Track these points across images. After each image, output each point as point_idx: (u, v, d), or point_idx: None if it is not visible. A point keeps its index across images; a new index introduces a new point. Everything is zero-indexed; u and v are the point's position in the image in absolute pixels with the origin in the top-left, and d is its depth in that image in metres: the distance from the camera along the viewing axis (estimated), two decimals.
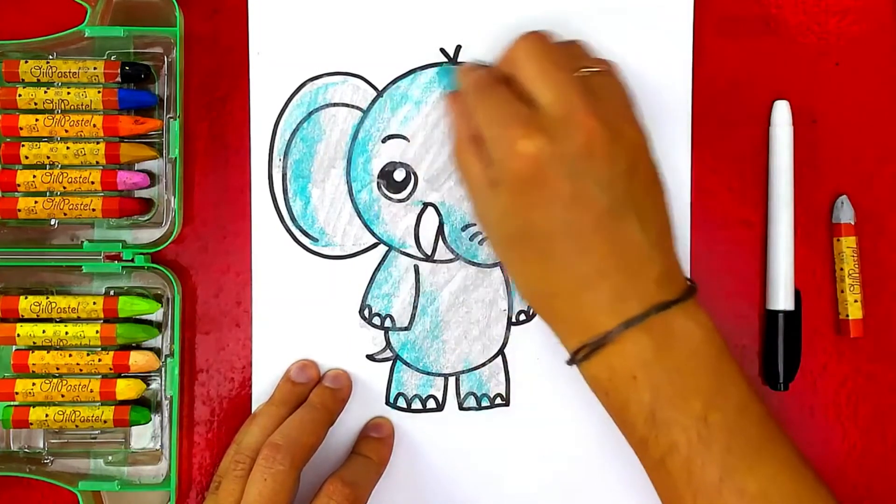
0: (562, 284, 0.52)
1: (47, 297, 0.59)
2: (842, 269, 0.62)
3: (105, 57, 0.60)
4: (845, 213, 0.62)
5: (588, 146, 0.50)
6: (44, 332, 0.58)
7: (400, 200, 0.61)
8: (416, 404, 0.61)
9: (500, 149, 0.52)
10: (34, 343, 0.58)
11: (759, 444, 0.50)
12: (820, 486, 0.52)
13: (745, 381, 0.52)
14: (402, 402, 0.61)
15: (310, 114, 0.61)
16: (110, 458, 0.60)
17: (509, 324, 0.61)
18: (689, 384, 0.50)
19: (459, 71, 0.58)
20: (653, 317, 0.50)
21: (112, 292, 0.60)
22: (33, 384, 0.58)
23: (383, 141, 0.61)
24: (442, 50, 0.61)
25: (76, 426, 0.59)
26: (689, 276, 0.61)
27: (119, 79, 0.59)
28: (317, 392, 0.59)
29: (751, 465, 0.49)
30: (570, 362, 0.53)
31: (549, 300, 0.54)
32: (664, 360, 0.50)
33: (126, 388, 0.59)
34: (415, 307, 0.61)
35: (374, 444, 0.60)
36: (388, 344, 0.61)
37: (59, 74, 0.58)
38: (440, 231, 0.61)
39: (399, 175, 0.61)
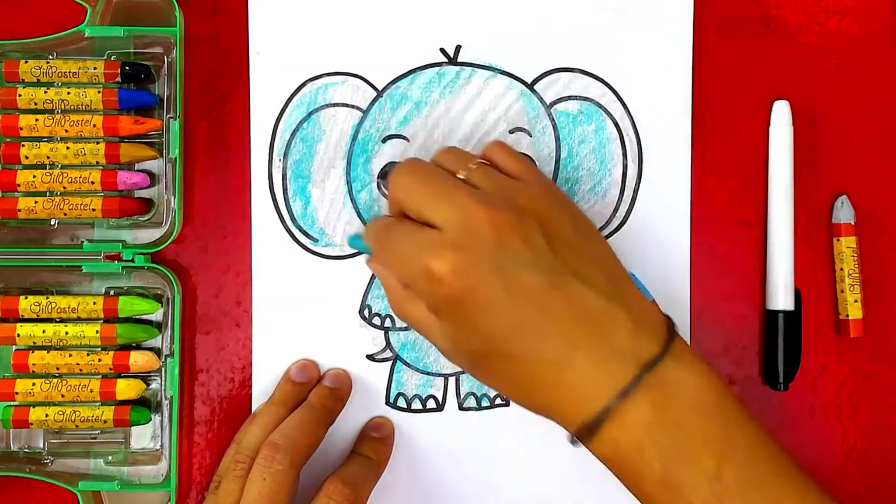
0: (539, 376, 0.49)
1: (47, 297, 0.59)
2: (842, 269, 0.62)
3: (105, 57, 0.60)
4: (845, 213, 0.62)
5: (498, 238, 0.49)
6: (44, 332, 0.58)
7: None
8: (416, 404, 0.61)
9: (420, 282, 0.50)
10: (34, 343, 0.58)
11: (779, 490, 0.48)
12: None
13: (750, 419, 0.49)
14: (402, 402, 0.61)
15: (310, 114, 0.61)
16: (110, 458, 0.60)
17: None
18: (697, 440, 0.47)
19: (364, 231, 0.57)
20: (645, 376, 0.48)
21: (112, 292, 0.60)
22: (33, 384, 0.58)
23: (383, 141, 0.61)
24: (442, 50, 0.61)
25: (76, 426, 0.59)
26: (688, 276, 0.61)
27: (119, 79, 0.59)
28: (316, 392, 0.59)
29: None
30: (573, 443, 0.50)
31: (533, 394, 0.51)
32: (667, 421, 0.47)
33: (126, 388, 0.59)
34: None
35: (374, 444, 0.60)
36: (388, 344, 0.61)
37: (59, 74, 0.58)
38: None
39: None
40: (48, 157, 0.59)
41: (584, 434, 0.49)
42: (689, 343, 0.51)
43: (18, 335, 0.58)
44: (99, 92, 0.59)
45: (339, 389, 0.60)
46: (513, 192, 0.51)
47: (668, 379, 0.48)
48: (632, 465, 0.48)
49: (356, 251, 0.61)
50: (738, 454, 0.48)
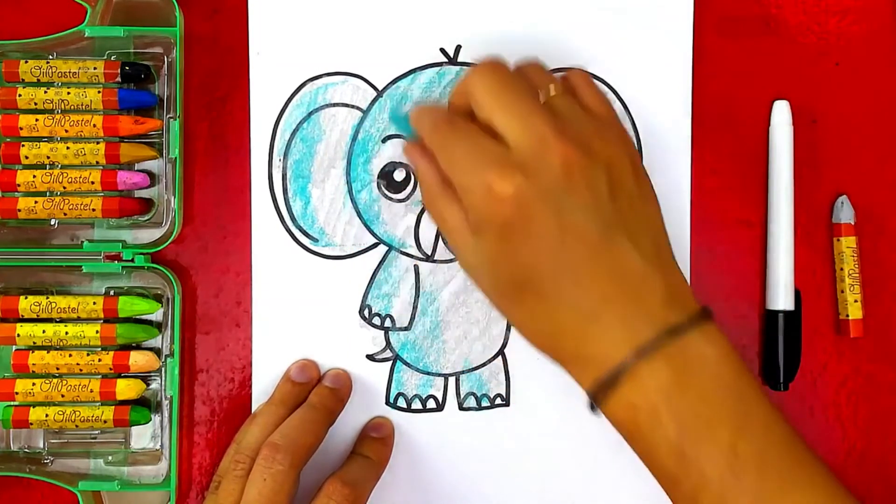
0: (565, 322, 0.49)
1: (47, 297, 0.59)
2: (842, 269, 0.62)
3: (105, 57, 0.60)
4: (845, 213, 0.62)
5: (567, 175, 0.48)
6: (44, 332, 0.58)
7: (400, 200, 0.61)
8: (416, 404, 0.61)
9: (475, 195, 0.49)
10: (34, 343, 0.58)
11: (791, 469, 0.48)
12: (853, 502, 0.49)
13: (767, 400, 0.49)
14: (402, 402, 0.61)
15: (310, 114, 0.61)
16: (110, 458, 0.60)
17: (509, 324, 0.61)
18: (715, 412, 0.47)
19: (413, 114, 0.55)
20: (667, 343, 0.47)
21: (112, 292, 0.60)
22: (33, 384, 0.58)
23: (383, 141, 0.61)
24: (442, 50, 0.61)
25: (76, 426, 0.59)
26: (688, 276, 0.61)
27: (119, 79, 0.59)
28: (317, 392, 0.59)
29: (785, 493, 0.47)
30: (592, 407, 0.50)
31: (555, 340, 0.50)
32: (686, 390, 0.47)
33: (126, 388, 0.59)
34: (415, 307, 0.61)
35: (374, 444, 0.60)
36: (388, 344, 0.61)
37: (59, 74, 0.58)
38: (440, 231, 0.61)
39: (399, 175, 0.61)
40: (48, 157, 0.59)
41: (599, 391, 0.48)
42: None
43: (18, 335, 0.58)
44: (99, 92, 0.58)
45: (339, 390, 0.60)
46: (590, 131, 0.51)
47: (690, 349, 0.48)
48: (647, 432, 0.48)
49: (357, 251, 0.61)
50: (755, 430, 0.47)
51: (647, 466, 0.50)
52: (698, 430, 0.47)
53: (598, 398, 0.49)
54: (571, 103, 0.52)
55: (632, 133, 0.61)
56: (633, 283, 0.48)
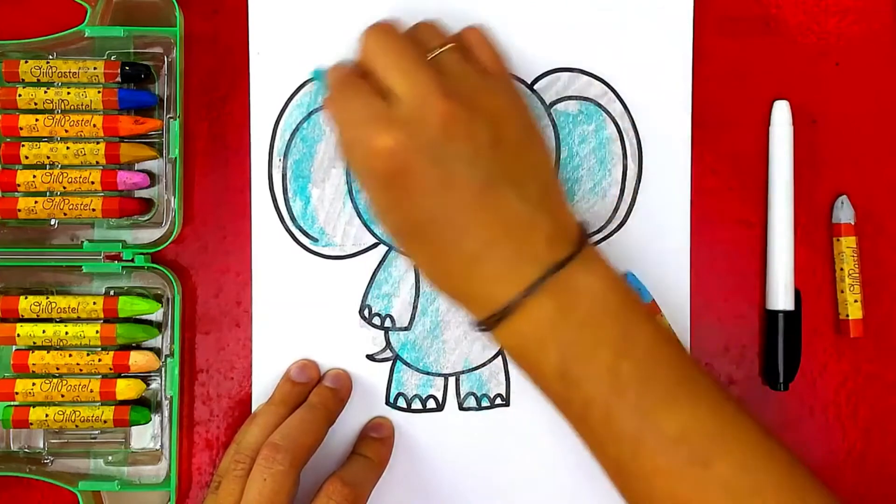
0: (454, 264, 0.51)
1: (47, 297, 0.59)
2: (842, 269, 0.62)
3: (105, 57, 0.60)
4: (845, 213, 0.62)
5: (445, 128, 0.50)
6: (44, 332, 0.58)
7: None
8: (416, 404, 0.61)
9: (357, 150, 0.52)
10: (34, 343, 0.58)
11: (675, 385, 0.50)
12: (743, 417, 0.51)
13: (653, 324, 0.52)
14: (402, 402, 0.61)
15: (310, 114, 0.61)
16: (110, 458, 0.60)
17: None
18: (597, 337, 0.50)
19: (328, 71, 0.56)
20: (551, 279, 0.50)
21: (112, 292, 0.60)
22: (33, 384, 0.58)
23: None
24: None
25: (76, 426, 0.59)
26: (688, 276, 0.61)
27: (119, 79, 0.59)
28: (317, 392, 0.59)
29: (668, 407, 0.49)
30: (476, 328, 0.53)
31: (447, 280, 0.53)
32: (569, 319, 0.50)
33: (126, 388, 0.59)
34: (415, 307, 0.61)
35: (374, 444, 0.60)
36: (388, 344, 0.61)
37: (59, 74, 0.58)
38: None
39: None
40: (48, 157, 0.59)
41: (489, 325, 0.51)
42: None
43: (18, 335, 0.58)
44: (99, 92, 0.58)
45: (339, 390, 0.60)
46: (474, 86, 0.53)
47: (575, 282, 0.50)
48: (533, 355, 0.51)
49: (357, 251, 0.61)
50: (637, 351, 0.50)
51: (540, 390, 0.53)
52: (580, 354, 0.50)
53: (488, 328, 0.52)
54: (459, 60, 0.54)
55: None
56: (517, 227, 0.50)
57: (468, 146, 0.50)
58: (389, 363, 0.61)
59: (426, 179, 0.50)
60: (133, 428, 0.60)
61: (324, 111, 0.59)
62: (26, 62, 0.58)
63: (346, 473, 0.56)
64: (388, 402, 0.61)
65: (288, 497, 0.53)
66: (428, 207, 0.50)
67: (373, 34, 0.53)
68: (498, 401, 0.61)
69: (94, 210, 0.58)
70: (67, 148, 0.58)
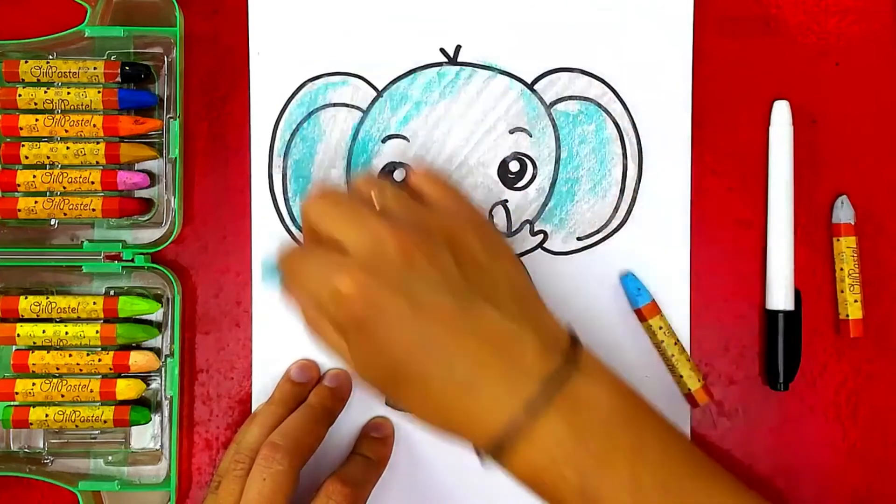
0: (447, 398, 0.48)
1: (47, 297, 0.59)
2: (842, 269, 0.62)
3: (105, 57, 0.60)
4: (845, 213, 0.62)
5: (407, 260, 0.48)
6: (44, 332, 0.58)
7: None
8: None
9: (328, 303, 0.49)
10: (34, 343, 0.58)
11: (693, 481, 0.49)
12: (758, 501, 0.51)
13: (661, 420, 0.50)
14: None
15: (310, 114, 0.61)
16: (110, 458, 0.60)
17: None
18: (611, 448, 0.47)
19: (277, 261, 0.55)
20: (552, 394, 0.47)
21: (112, 292, 0.60)
22: (33, 384, 0.58)
23: (383, 141, 0.61)
24: (442, 50, 0.61)
25: (76, 426, 0.59)
26: (688, 276, 0.61)
27: (119, 79, 0.59)
28: (316, 392, 0.59)
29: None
30: (484, 460, 0.49)
31: (443, 415, 0.50)
32: (581, 434, 0.47)
33: (126, 388, 0.59)
34: None
35: (374, 444, 0.60)
36: None
37: (59, 74, 0.58)
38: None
39: (399, 175, 0.61)
40: (48, 157, 0.59)
41: (496, 452, 0.48)
42: (597, 357, 0.52)
43: (18, 335, 0.58)
44: (99, 92, 0.59)
45: (339, 389, 0.60)
46: (424, 215, 0.52)
47: (578, 393, 0.48)
48: (550, 482, 0.48)
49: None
50: (652, 454, 0.48)
51: None
52: (597, 469, 0.47)
53: (496, 459, 0.49)
54: (402, 199, 0.53)
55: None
56: (504, 343, 0.48)
57: (434, 271, 0.49)
58: None
59: (398, 313, 0.48)
60: (133, 428, 0.60)
61: (286, 297, 0.55)
62: (26, 62, 0.58)
63: (346, 473, 0.56)
64: (387, 402, 0.61)
65: (287, 497, 0.53)
66: (407, 342, 0.48)
67: (312, 198, 0.53)
68: None
69: (94, 210, 0.58)
70: (67, 148, 0.58)
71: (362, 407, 0.61)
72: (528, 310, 0.50)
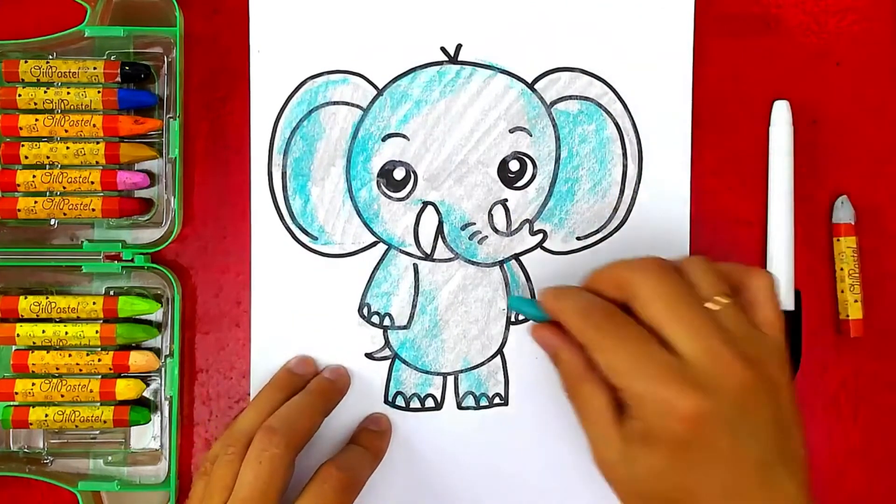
0: None
1: (47, 297, 0.59)
2: (842, 269, 0.62)
3: (105, 57, 0.60)
4: (845, 213, 0.62)
5: (742, 398, 0.47)
6: (43, 332, 0.58)
7: (399, 199, 0.61)
8: (415, 403, 0.61)
9: (651, 407, 0.47)
10: (34, 343, 0.58)
11: None
12: None
13: None
14: (400, 401, 0.61)
15: (310, 112, 0.61)
16: (110, 458, 0.60)
17: (508, 323, 0.61)
18: None
19: (550, 296, 0.53)
20: None
21: (112, 292, 0.60)
22: (33, 384, 0.58)
23: (383, 139, 0.61)
24: (442, 49, 0.61)
25: (76, 426, 0.59)
26: None
27: (119, 79, 0.59)
28: (315, 380, 0.59)
29: None
30: None
31: None
32: None
33: (126, 389, 0.59)
34: (414, 306, 0.61)
35: (371, 435, 0.60)
36: (387, 342, 0.61)
37: (59, 74, 0.58)
38: (440, 230, 0.61)
39: (399, 174, 0.61)
40: (48, 157, 0.59)
41: None
42: None
43: (18, 335, 0.58)
44: (99, 92, 0.59)
45: (338, 382, 0.60)
46: (759, 352, 0.49)
47: None
48: None
49: (356, 249, 0.61)
50: None
51: None
52: None
53: None
54: (739, 317, 0.50)
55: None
56: None
57: (758, 420, 0.47)
58: (388, 362, 0.61)
59: (719, 451, 0.47)
60: (133, 428, 0.60)
61: (542, 341, 0.54)
62: (26, 62, 0.59)
63: (342, 459, 0.56)
64: (386, 401, 0.61)
65: (283, 481, 0.53)
66: (711, 481, 0.47)
67: (649, 273, 0.50)
68: (497, 400, 0.61)
69: (93, 210, 0.58)
70: (67, 148, 0.58)
71: (361, 405, 0.61)
72: (807, 486, 0.49)
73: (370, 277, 0.61)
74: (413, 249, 0.61)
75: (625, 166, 0.62)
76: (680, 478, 0.48)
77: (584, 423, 0.52)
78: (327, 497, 0.53)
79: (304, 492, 0.53)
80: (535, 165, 0.61)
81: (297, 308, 0.61)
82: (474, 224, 0.61)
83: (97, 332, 0.58)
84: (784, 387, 0.50)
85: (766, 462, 0.47)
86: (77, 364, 0.59)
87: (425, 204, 0.61)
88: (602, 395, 0.50)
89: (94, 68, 0.59)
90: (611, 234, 0.61)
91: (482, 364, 0.61)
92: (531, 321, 0.60)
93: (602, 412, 0.50)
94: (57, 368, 0.59)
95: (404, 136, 0.61)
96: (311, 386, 0.58)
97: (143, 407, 0.60)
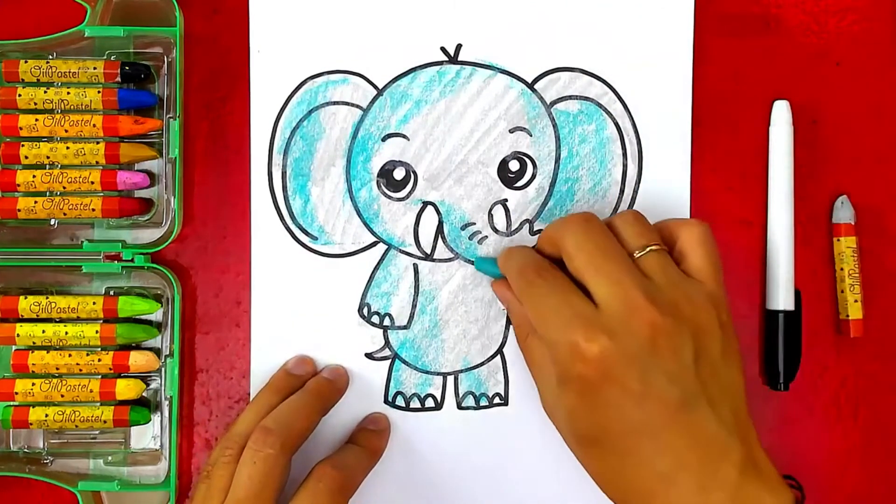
0: (638, 482, 0.50)
1: (47, 297, 0.59)
2: (842, 269, 0.62)
3: (105, 57, 0.60)
4: (845, 213, 0.62)
5: (652, 341, 0.49)
6: (43, 332, 0.58)
7: (399, 199, 0.61)
8: (415, 403, 0.61)
9: (560, 351, 0.50)
10: (34, 343, 0.58)
11: None
12: None
13: None
14: (400, 401, 0.61)
15: (310, 112, 0.61)
16: (110, 458, 0.60)
17: (508, 323, 0.61)
18: None
19: (502, 257, 0.57)
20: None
21: (112, 292, 0.60)
22: (33, 384, 0.58)
23: (383, 139, 0.61)
24: (442, 49, 0.61)
25: (76, 426, 0.59)
26: None
27: (119, 79, 0.59)
28: (313, 380, 0.59)
29: None
30: None
31: (625, 496, 0.51)
32: None
33: (126, 389, 0.59)
34: (414, 306, 0.61)
35: (369, 434, 0.60)
36: (387, 342, 0.61)
37: (59, 74, 0.58)
38: (439, 230, 0.61)
39: (399, 174, 0.61)
40: (48, 157, 0.59)
41: None
42: None
43: (18, 335, 0.58)
44: (99, 92, 0.59)
45: (336, 382, 0.60)
46: (680, 295, 0.51)
47: None
48: None
49: (356, 249, 0.61)
50: None
51: None
52: None
53: None
54: (665, 264, 0.52)
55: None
56: (711, 450, 0.49)
57: (672, 361, 0.49)
58: (388, 362, 0.61)
59: (627, 391, 0.48)
60: (133, 428, 0.60)
61: (499, 295, 0.60)
62: (26, 62, 0.58)
63: (338, 459, 0.56)
64: (386, 401, 0.61)
65: (278, 481, 0.53)
66: (622, 419, 0.49)
67: (575, 228, 0.53)
68: (497, 400, 0.61)
69: (93, 210, 0.58)
70: (67, 148, 0.58)
71: (361, 405, 0.61)
72: (740, 424, 0.50)
73: (370, 277, 0.61)
74: (413, 249, 0.61)
75: (625, 166, 0.62)
76: (594, 416, 0.50)
77: (532, 371, 0.57)
78: (322, 496, 0.53)
79: (298, 491, 0.53)
80: (535, 165, 0.61)
81: (297, 308, 0.61)
82: (474, 224, 0.61)
83: (97, 332, 0.58)
84: (710, 329, 0.51)
85: (686, 401, 0.49)
86: (77, 364, 0.59)
87: (425, 204, 0.61)
88: (543, 347, 0.54)
89: (94, 68, 0.59)
90: None
91: (482, 364, 0.61)
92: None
93: (544, 362, 0.54)
94: (57, 368, 0.59)
95: (404, 136, 0.61)
96: (309, 386, 0.58)
97: (143, 407, 0.60)
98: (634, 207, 0.61)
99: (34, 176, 0.58)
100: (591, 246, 0.52)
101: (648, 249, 0.52)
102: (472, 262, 0.61)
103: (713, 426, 0.49)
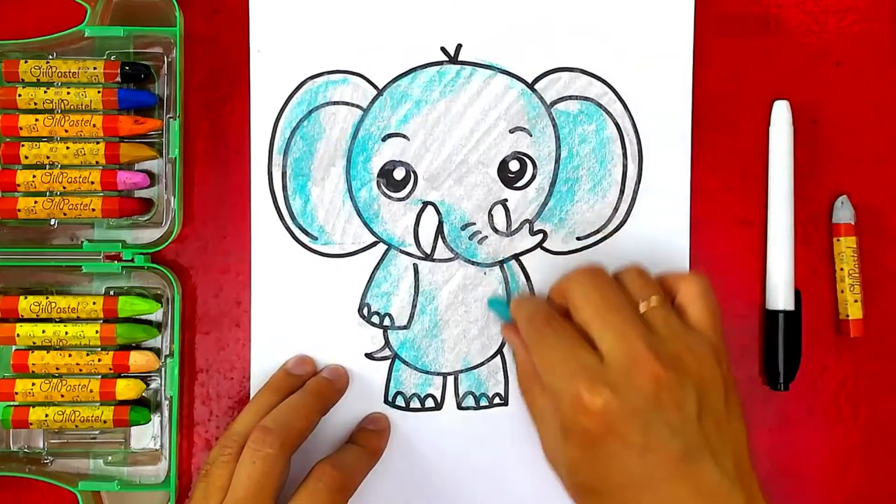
0: None
1: (47, 297, 0.59)
2: (842, 269, 0.62)
3: (105, 57, 0.60)
4: (845, 213, 0.62)
5: (655, 395, 0.49)
6: (43, 332, 0.58)
7: (400, 199, 0.61)
8: (415, 403, 0.61)
9: (564, 401, 0.51)
10: (34, 343, 0.58)
11: None
12: None
13: None
14: (400, 401, 0.61)
15: (310, 112, 0.61)
16: (110, 458, 0.60)
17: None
18: None
19: (514, 304, 0.58)
20: None
21: (112, 292, 0.60)
22: (33, 384, 0.58)
23: (383, 139, 0.61)
24: (443, 49, 0.61)
25: (76, 426, 0.59)
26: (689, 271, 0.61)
27: (119, 79, 0.59)
28: (313, 379, 0.59)
29: None
30: None
31: None
32: None
33: (126, 389, 0.59)
34: (414, 306, 0.61)
35: (369, 434, 0.60)
36: (387, 342, 0.61)
37: (59, 74, 0.58)
38: (440, 230, 0.61)
39: (399, 174, 0.61)
40: (48, 157, 0.59)
41: None
42: None
43: (18, 335, 0.58)
44: (99, 92, 0.59)
45: (336, 382, 0.60)
46: (683, 347, 0.51)
47: None
48: None
49: (356, 249, 0.61)
50: None
51: None
52: None
53: None
54: (668, 317, 0.53)
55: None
56: (714, 501, 0.49)
57: (675, 414, 0.49)
58: (388, 362, 0.61)
59: (629, 444, 0.49)
60: (133, 428, 0.60)
61: (507, 339, 0.61)
62: (26, 62, 0.58)
63: (338, 458, 0.56)
64: (386, 401, 0.61)
65: (277, 480, 0.53)
66: (624, 472, 0.49)
67: (582, 280, 0.54)
68: (496, 400, 0.61)
69: (93, 210, 0.58)
70: (67, 148, 0.58)
71: (361, 405, 0.61)
72: (743, 475, 0.51)
73: (370, 277, 0.61)
74: (413, 249, 0.61)
75: (625, 166, 0.62)
76: (595, 468, 0.50)
77: (534, 419, 0.58)
78: (321, 495, 0.53)
79: (298, 490, 0.53)
80: (535, 165, 0.61)
81: (297, 308, 0.61)
82: (474, 224, 0.61)
83: (97, 332, 0.58)
84: (713, 381, 0.51)
85: (689, 452, 0.49)
86: (77, 364, 0.59)
87: (425, 204, 0.61)
88: (545, 398, 0.55)
89: (94, 68, 0.59)
90: (611, 234, 0.62)
91: (482, 364, 0.61)
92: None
93: (545, 410, 0.55)
94: (57, 368, 0.59)
95: (404, 136, 0.61)
96: (309, 385, 0.58)
97: (143, 407, 0.60)
98: (635, 208, 0.61)
99: (34, 176, 0.58)
100: (597, 297, 0.52)
101: (653, 303, 0.53)
102: (473, 263, 0.61)
103: (716, 477, 0.49)
